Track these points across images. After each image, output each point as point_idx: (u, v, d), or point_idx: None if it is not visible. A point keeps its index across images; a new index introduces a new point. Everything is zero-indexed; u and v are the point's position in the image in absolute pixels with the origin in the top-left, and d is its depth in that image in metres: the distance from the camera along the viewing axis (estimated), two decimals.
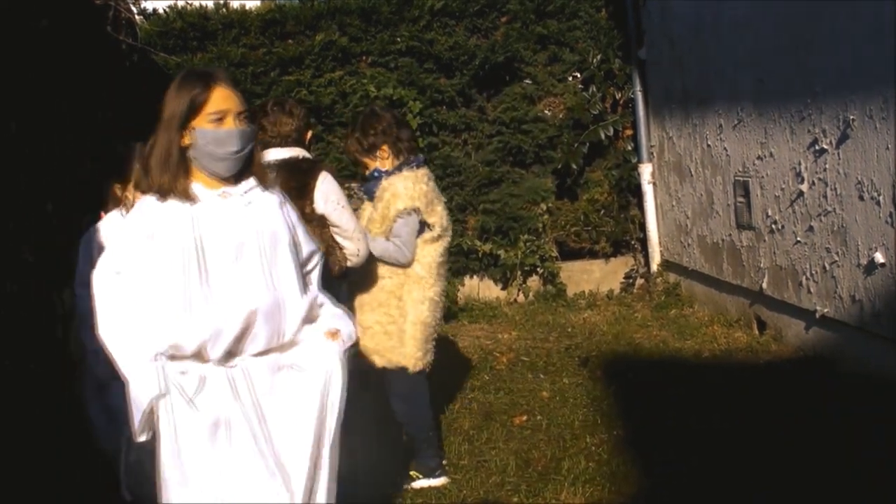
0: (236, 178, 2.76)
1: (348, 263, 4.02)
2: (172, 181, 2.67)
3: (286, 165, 3.95)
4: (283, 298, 2.75)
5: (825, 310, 5.64)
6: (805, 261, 5.83)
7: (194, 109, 2.65)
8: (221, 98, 2.68)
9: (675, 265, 8.16)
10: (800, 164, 5.75)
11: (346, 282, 4.13)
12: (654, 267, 8.46)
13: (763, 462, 4.35)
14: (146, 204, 2.71)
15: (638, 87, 8.34)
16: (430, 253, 4.43)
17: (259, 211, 2.77)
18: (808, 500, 3.97)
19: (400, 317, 4.36)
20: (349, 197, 4.57)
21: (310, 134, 4.18)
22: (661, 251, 8.44)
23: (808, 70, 5.57)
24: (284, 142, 4.05)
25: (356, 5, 8.06)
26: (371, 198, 4.49)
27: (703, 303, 7.64)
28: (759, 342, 6.44)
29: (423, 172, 4.50)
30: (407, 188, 4.37)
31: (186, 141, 2.68)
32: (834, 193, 5.42)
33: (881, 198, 4.98)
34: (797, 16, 5.63)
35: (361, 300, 4.38)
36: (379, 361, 4.35)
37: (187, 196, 2.69)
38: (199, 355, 2.66)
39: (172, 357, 2.63)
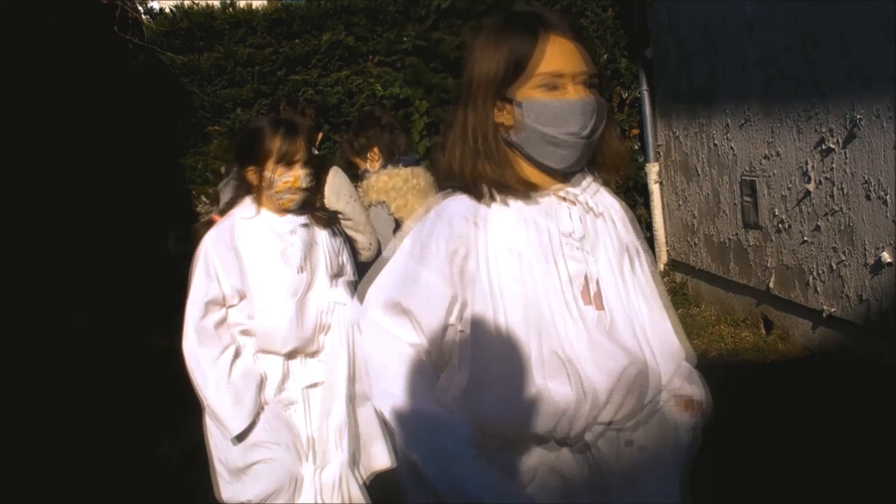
0: (572, 171, 1.84)
1: (360, 257, 4.03)
2: (500, 170, 1.77)
3: None
4: (650, 345, 1.85)
5: (832, 309, 5.63)
6: (812, 260, 5.82)
7: (517, 71, 1.74)
8: (558, 53, 1.74)
9: (682, 264, 8.14)
10: (806, 163, 5.74)
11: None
12: (661, 266, 8.45)
13: (769, 462, 4.34)
14: (452, 208, 1.79)
15: (644, 87, 8.32)
16: None
17: (609, 218, 1.90)
18: (813, 500, 3.97)
19: None
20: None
21: (320, 136, 4.18)
22: (667, 250, 8.43)
23: (815, 69, 5.56)
24: None
25: (362, 5, 8.06)
26: None
27: (709, 302, 7.63)
28: (765, 341, 6.43)
29: (407, 171, 4.47)
30: (377, 181, 4.39)
31: (505, 118, 1.78)
32: (841, 193, 5.41)
33: (888, 197, 4.97)
34: (804, 15, 5.61)
35: None
36: None
37: (522, 191, 1.79)
38: (538, 436, 1.75)
39: (486, 440, 1.72)
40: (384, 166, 4.46)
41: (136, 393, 5.49)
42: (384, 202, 4.37)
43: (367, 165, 4.53)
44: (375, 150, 4.50)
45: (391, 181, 4.35)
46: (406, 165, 4.47)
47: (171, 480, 4.60)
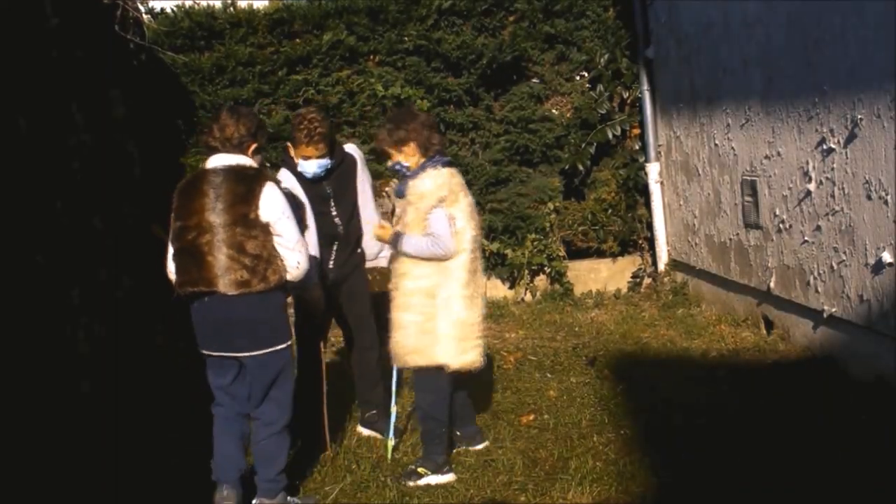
0: None
1: (288, 276, 4.03)
2: None
3: (232, 171, 4.01)
4: None
5: (833, 309, 5.63)
6: (813, 260, 5.82)
7: None
8: None
9: (683, 264, 8.14)
10: (807, 163, 5.74)
11: (286, 294, 4.15)
12: (662, 266, 8.45)
13: (771, 462, 4.34)
14: None
15: (645, 87, 8.33)
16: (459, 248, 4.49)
17: None
18: (814, 499, 3.96)
19: (434, 316, 4.41)
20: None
21: (253, 146, 4.17)
22: (668, 250, 8.43)
23: (816, 69, 5.56)
24: (225, 146, 4.08)
25: (364, 4, 8.06)
26: (401, 196, 4.60)
27: (710, 302, 7.63)
28: (766, 342, 6.43)
29: (448, 171, 4.57)
30: (434, 183, 4.45)
31: None
32: (841, 193, 5.40)
33: (889, 197, 4.97)
34: (805, 14, 5.62)
35: (397, 300, 4.47)
36: (419, 360, 4.44)
37: None
38: None
39: None
40: (423, 166, 4.54)
41: (136, 392, 5.49)
42: (444, 198, 4.46)
43: (401, 158, 4.60)
44: (412, 145, 4.57)
45: (440, 180, 4.48)
46: (444, 166, 4.59)
47: (172, 480, 4.60)
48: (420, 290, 4.41)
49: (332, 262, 5.01)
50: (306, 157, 4.85)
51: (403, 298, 4.45)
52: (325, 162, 4.89)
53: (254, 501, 4.20)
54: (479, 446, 4.90)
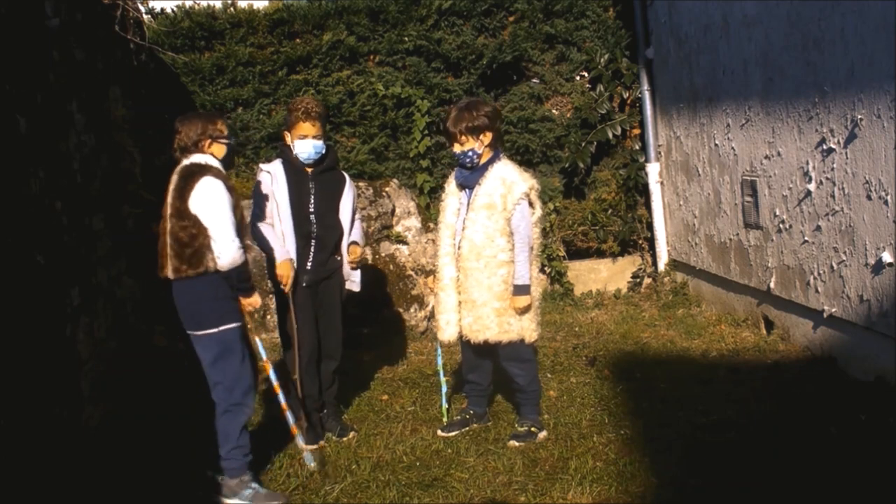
0: None
1: (214, 264, 4.24)
2: None
3: (183, 168, 4.33)
4: None
5: (833, 309, 5.63)
6: (813, 260, 5.82)
7: None
8: None
9: (683, 264, 8.15)
10: (807, 163, 5.74)
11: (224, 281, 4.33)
12: (662, 266, 8.45)
13: (770, 462, 4.35)
14: None
15: (645, 87, 8.33)
16: (534, 237, 4.93)
17: None
18: (814, 499, 3.97)
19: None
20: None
21: (207, 143, 4.41)
22: (668, 250, 8.44)
23: (816, 69, 5.56)
24: (184, 153, 4.39)
25: (364, 5, 8.06)
26: (469, 186, 4.89)
27: (710, 302, 7.63)
28: (766, 342, 6.44)
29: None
30: (520, 176, 4.85)
31: None
32: (842, 193, 5.41)
33: (889, 197, 4.97)
34: (806, 15, 5.62)
35: (479, 281, 4.83)
36: (505, 337, 4.86)
37: None
38: None
39: None
40: (496, 156, 4.90)
41: (136, 392, 5.49)
42: (533, 187, 4.89)
43: (476, 146, 4.84)
44: (490, 135, 4.87)
45: (523, 171, 4.94)
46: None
47: (171, 479, 4.61)
48: (510, 273, 4.82)
49: (309, 263, 5.07)
50: (302, 136, 4.98)
51: (497, 279, 4.81)
52: (320, 144, 5.04)
53: (219, 477, 4.43)
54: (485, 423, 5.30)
